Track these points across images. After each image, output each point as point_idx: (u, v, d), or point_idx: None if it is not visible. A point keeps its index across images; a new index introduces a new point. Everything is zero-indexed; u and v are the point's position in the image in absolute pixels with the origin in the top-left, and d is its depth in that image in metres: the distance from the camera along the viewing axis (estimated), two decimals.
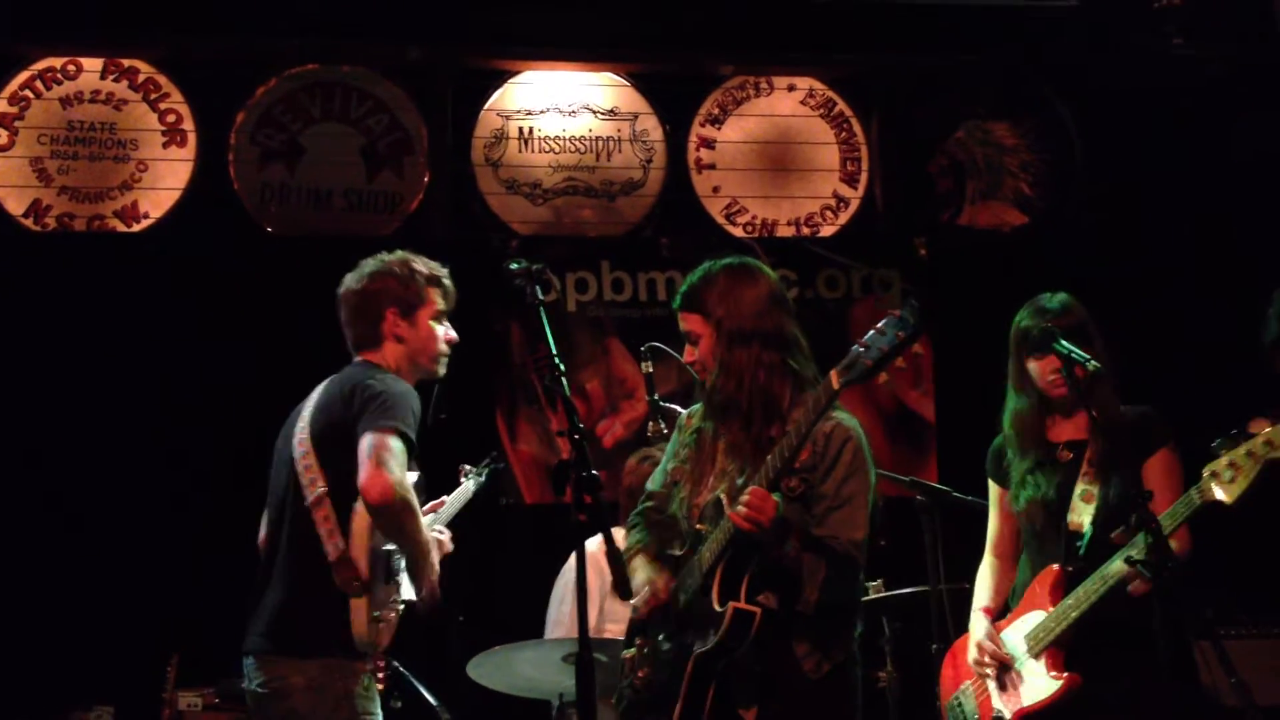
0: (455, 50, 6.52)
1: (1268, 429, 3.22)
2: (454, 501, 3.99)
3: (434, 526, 3.64)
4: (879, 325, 2.90)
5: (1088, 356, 3.43)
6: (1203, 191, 6.36)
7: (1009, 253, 6.44)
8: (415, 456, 3.36)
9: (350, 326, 3.63)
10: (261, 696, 3.37)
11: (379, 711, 3.40)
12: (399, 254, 3.68)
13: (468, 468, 4.23)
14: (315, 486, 3.36)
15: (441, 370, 3.68)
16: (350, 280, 3.65)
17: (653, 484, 3.57)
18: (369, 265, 3.66)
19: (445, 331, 3.66)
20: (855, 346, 2.92)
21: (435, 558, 3.47)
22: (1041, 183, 6.70)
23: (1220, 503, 3.26)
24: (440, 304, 3.65)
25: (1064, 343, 3.48)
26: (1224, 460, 3.26)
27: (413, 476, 3.48)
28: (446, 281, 3.69)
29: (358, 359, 3.61)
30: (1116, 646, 3.46)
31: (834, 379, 2.94)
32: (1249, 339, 5.99)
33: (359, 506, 3.30)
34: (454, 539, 3.70)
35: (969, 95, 6.76)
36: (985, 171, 6.71)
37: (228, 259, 6.01)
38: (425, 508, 3.73)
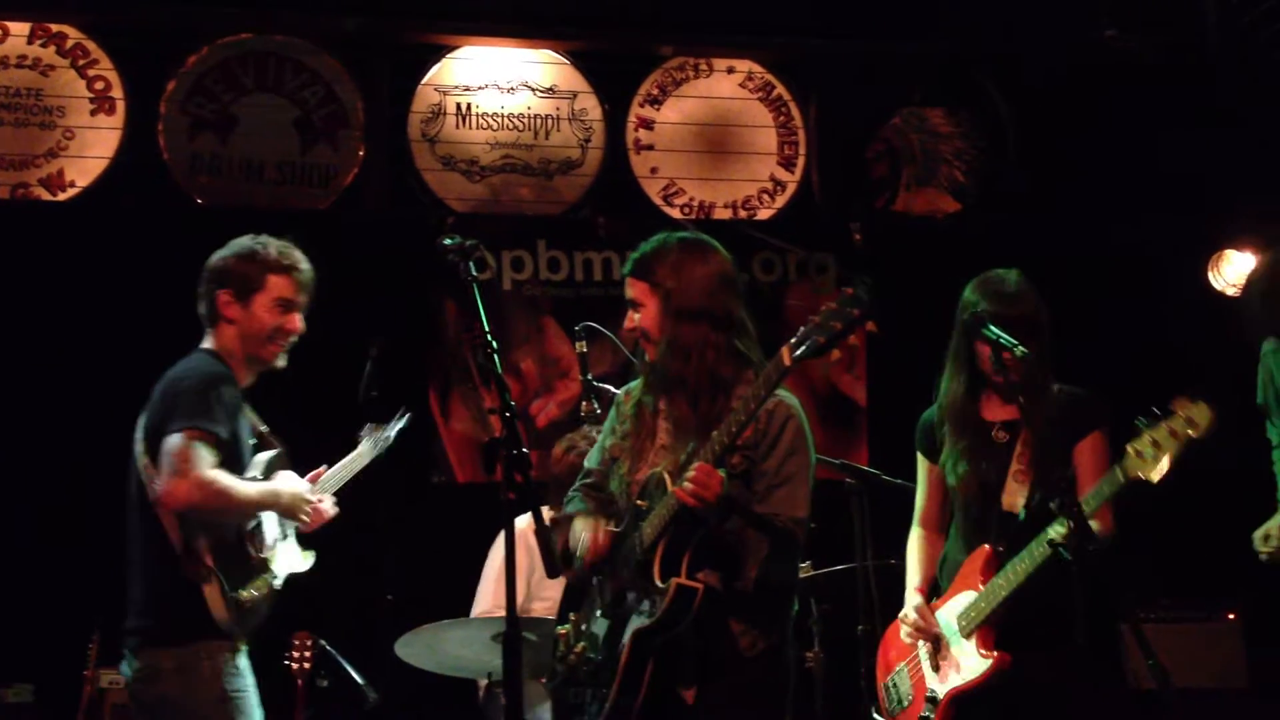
0: (393, 23, 6.45)
1: (1190, 407, 3.27)
2: (343, 467, 3.93)
3: (316, 494, 3.64)
4: (832, 302, 2.89)
5: (1015, 342, 3.46)
6: (1133, 182, 6.44)
7: (942, 239, 6.49)
8: (220, 446, 3.33)
9: (197, 304, 3.61)
10: (136, 683, 3.41)
11: (250, 688, 3.42)
12: (261, 237, 3.62)
13: (369, 427, 4.13)
14: (153, 481, 3.37)
15: (278, 361, 3.61)
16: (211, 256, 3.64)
17: (590, 461, 3.55)
18: (229, 244, 3.63)
19: (287, 321, 3.58)
20: (807, 323, 2.91)
21: (295, 495, 3.52)
22: (975, 171, 6.77)
23: (1145, 480, 3.31)
24: (284, 292, 3.57)
25: (992, 328, 3.50)
26: (1146, 438, 3.30)
27: (264, 458, 3.52)
28: (300, 273, 3.61)
29: (201, 343, 3.59)
30: (1043, 626, 3.51)
31: (785, 355, 2.93)
32: (1171, 323, 6.11)
33: None
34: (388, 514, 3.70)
35: (906, 82, 6.79)
36: (921, 158, 6.76)
37: (156, 230, 5.90)
38: (307, 476, 3.72)
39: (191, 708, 3.33)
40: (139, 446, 3.44)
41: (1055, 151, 6.58)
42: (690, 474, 3.03)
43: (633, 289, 3.35)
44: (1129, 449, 3.34)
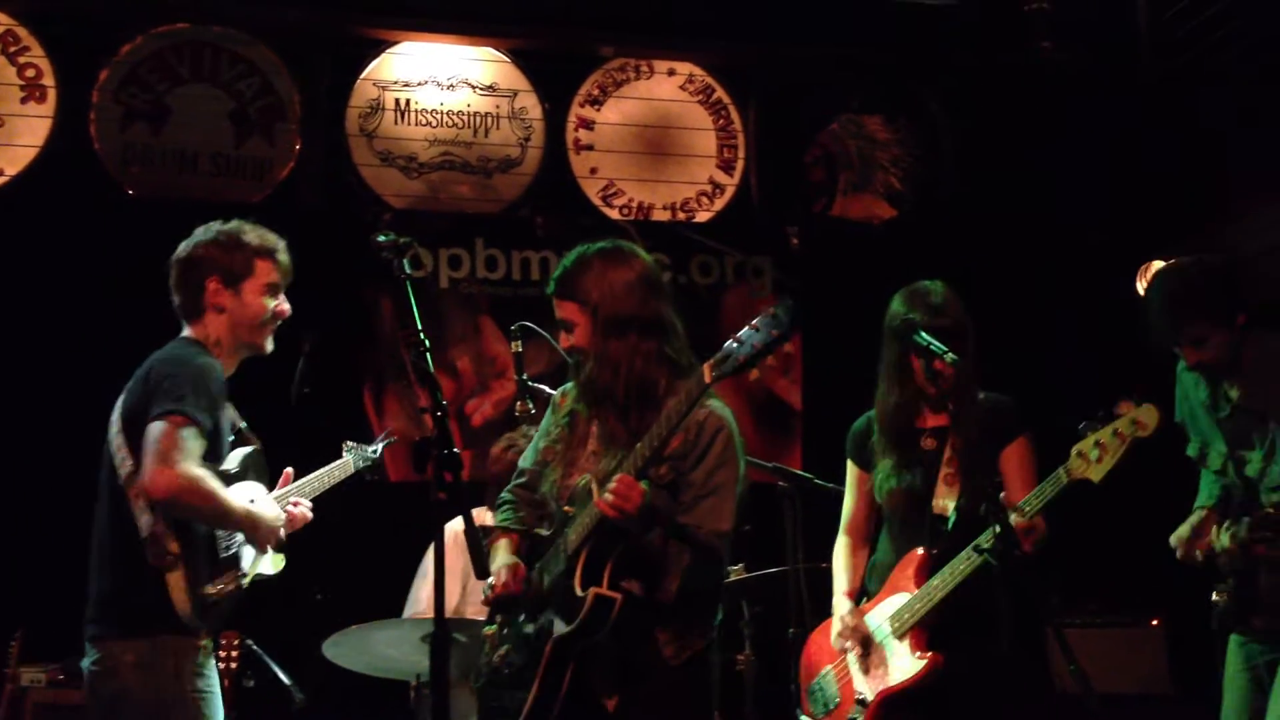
0: (333, 16, 6.38)
1: (1134, 410, 3.34)
2: (324, 474, 3.90)
3: (289, 498, 3.59)
4: (754, 321, 2.91)
5: (945, 349, 3.51)
6: (1066, 191, 6.53)
7: (878, 245, 6.54)
8: (207, 436, 3.29)
9: (175, 295, 3.55)
10: (95, 676, 3.33)
11: (214, 689, 3.36)
12: (234, 223, 3.59)
13: (352, 444, 4.13)
14: (125, 465, 3.32)
15: (268, 346, 3.60)
16: (180, 248, 3.57)
17: (525, 461, 3.55)
18: (199, 233, 3.58)
19: (276, 305, 3.57)
20: (730, 340, 2.93)
21: (271, 525, 3.44)
22: (911, 178, 6.83)
23: (1087, 480, 3.37)
24: (271, 277, 3.56)
25: (924, 335, 3.55)
26: (1091, 440, 3.37)
27: (241, 453, 3.45)
28: (281, 255, 3.59)
29: (183, 333, 3.54)
30: (970, 629, 3.55)
31: (706, 372, 2.96)
32: (1106, 331, 6.19)
33: None
34: (314, 511, 3.66)
35: (845, 89, 6.84)
36: (858, 164, 6.81)
37: (85, 220, 5.81)
38: (279, 481, 3.69)
39: (151, 704, 3.25)
40: (115, 428, 3.38)
41: (991, 160, 6.66)
42: (611, 486, 3.04)
43: (562, 310, 3.35)
44: (1074, 451, 3.41)
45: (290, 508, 3.58)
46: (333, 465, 3.98)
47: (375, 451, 4.13)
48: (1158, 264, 6.31)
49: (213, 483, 3.27)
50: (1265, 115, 6.00)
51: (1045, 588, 3.45)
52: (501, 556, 3.37)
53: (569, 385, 3.47)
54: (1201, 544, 3.73)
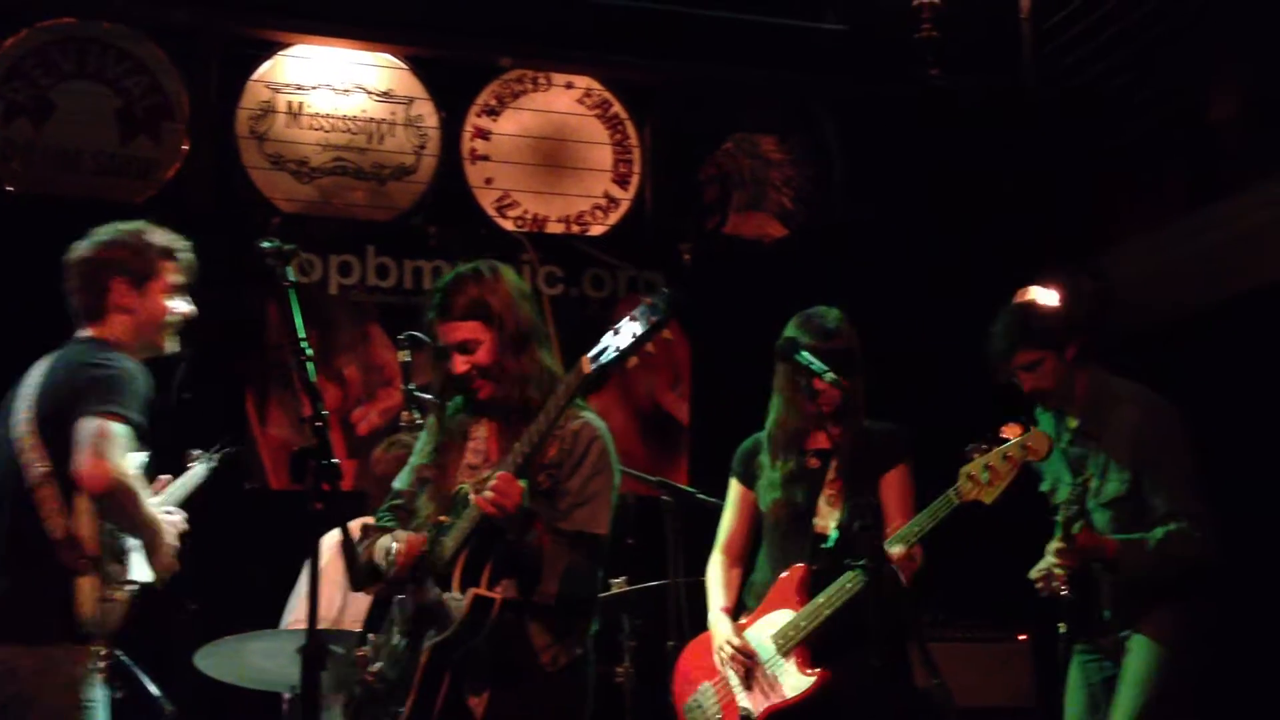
0: (225, 15, 6.29)
1: (1023, 434, 3.45)
2: (181, 485, 3.86)
3: (164, 507, 3.55)
4: (632, 312, 2.94)
5: (825, 368, 3.58)
6: (956, 216, 6.68)
7: (769, 263, 6.62)
8: (140, 439, 3.29)
9: (76, 296, 3.52)
10: None
11: (103, 699, 3.34)
12: (136, 224, 3.58)
13: (196, 452, 4.11)
14: (37, 466, 3.28)
15: (170, 346, 3.60)
16: (79, 248, 3.54)
17: (400, 483, 3.55)
18: (101, 233, 3.55)
19: (180, 306, 3.58)
20: (608, 333, 2.96)
21: (169, 538, 3.42)
22: (803, 198, 6.93)
23: (979, 503, 3.47)
24: (176, 278, 3.56)
25: (805, 354, 3.62)
26: (979, 463, 3.48)
27: (139, 458, 3.40)
28: (185, 255, 3.60)
29: (82, 333, 3.49)
30: (850, 644, 3.62)
31: (585, 364, 2.97)
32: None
33: None
34: (188, 520, 3.62)
35: (739, 108, 6.92)
36: (751, 183, 6.89)
37: None
38: (153, 486, 3.64)
39: (49, 711, 3.22)
40: (24, 427, 3.32)
41: (882, 183, 6.78)
42: (491, 483, 3.05)
43: (461, 331, 3.31)
44: (962, 474, 3.51)
45: (172, 517, 3.54)
46: (186, 476, 3.96)
47: (215, 460, 4.11)
48: (1034, 290, 6.49)
49: (139, 485, 3.27)
50: (1141, 146, 6.20)
51: (916, 604, 3.55)
52: (389, 536, 3.32)
53: (453, 402, 3.45)
54: (1060, 578, 3.89)
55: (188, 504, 3.86)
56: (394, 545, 3.26)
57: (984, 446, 3.54)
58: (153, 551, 3.37)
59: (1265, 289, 5.31)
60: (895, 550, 3.51)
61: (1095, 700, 4.02)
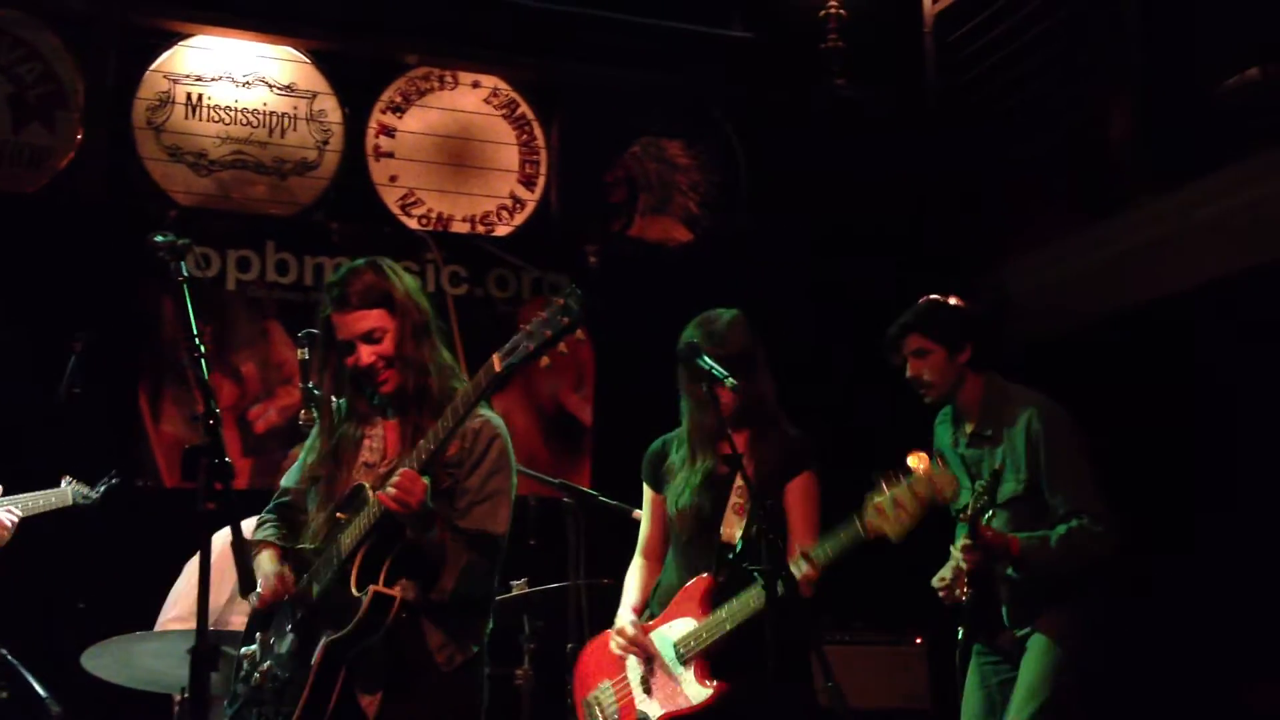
0: (123, 3, 6.14)
1: (930, 470, 3.42)
2: (39, 496, 3.78)
3: (3, 507, 3.48)
4: (542, 312, 2.94)
5: (725, 374, 3.57)
6: (860, 225, 6.75)
7: (673, 267, 6.64)
8: None
9: None
10: None
11: None
12: None
13: (71, 479, 4.02)
14: None
15: None
16: None
17: (289, 480, 3.51)
18: None
19: None
20: (519, 332, 2.95)
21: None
22: (708, 203, 6.97)
23: (886, 537, 3.45)
24: None
25: (706, 359, 3.61)
26: (888, 496, 3.41)
27: None
28: None
29: None
30: (748, 655, 3.62)
31: (495, 362, 2.96)
32: (891, 364, 6.40)
33: None
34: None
35: (647, 112, 6.94)
36: (657, 187, 6.90)
37: None
38: None
39: None
40: None
41: (786, 190, 6.84)
42: (394, 479, 3.03)
43: (367, 320, 3.27)
44: (869, 505, 3.44)
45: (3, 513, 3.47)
46: (50, 491, 3.89)
47: (96, 493, 4.05)
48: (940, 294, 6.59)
49: None
50: (1040, 160, 6.33)
51: (814, 611, 3.57)
52: (266, 565, 3.31)
53: (342, 401, 3.42)
54: (961, 584, 3.94)
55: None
56: (260, 582, 3.23)
57: (892, 477, 3.48)
58: None
59: (1160, 301, 5.44)
60: (800, 571, 3.51)
61: (993, 702, 4.08)
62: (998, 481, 3.91)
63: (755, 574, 3.40)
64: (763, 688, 3.53)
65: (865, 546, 3.51)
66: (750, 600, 3.58)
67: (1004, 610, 4.06)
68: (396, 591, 3.09)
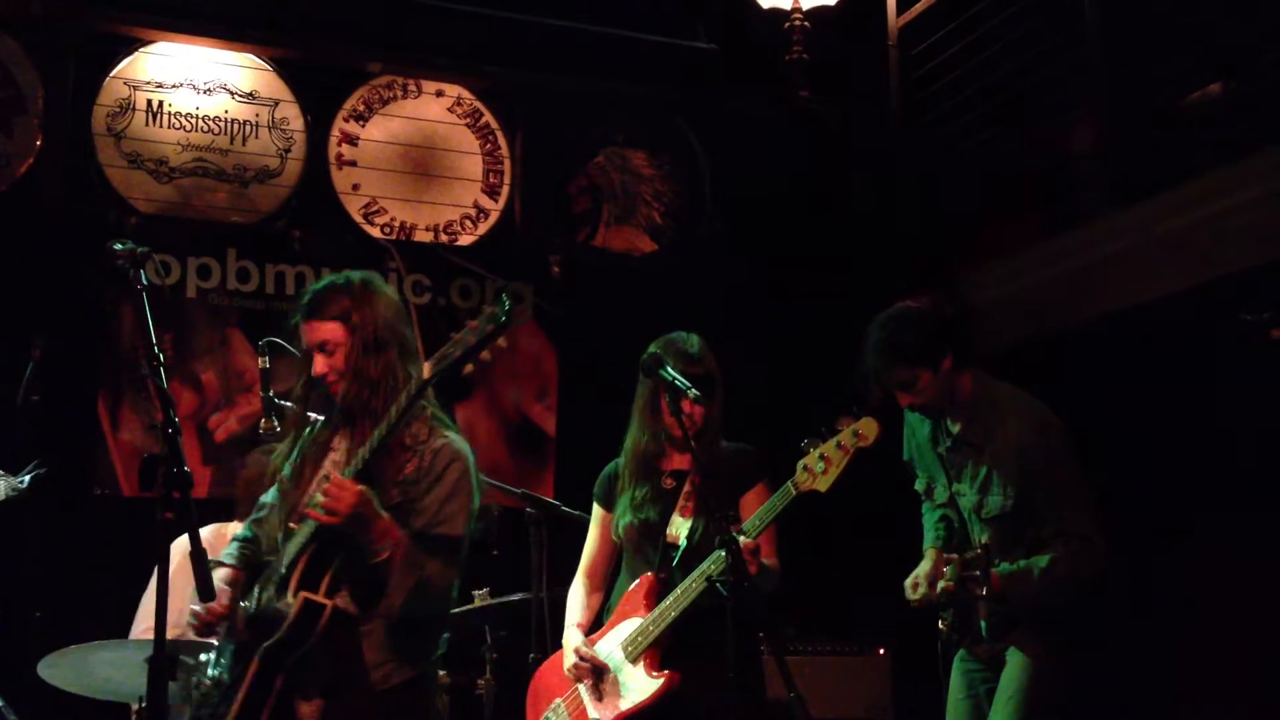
0: (84, 9, 6.09)
1: (854, 423, 3.50)
2: None
3: None
4: (474, 319, 3.00)
5: (689, 385, 3.59)
6: (825, 236, 6.79)
7: (638, 278, 6.65)
8: None
9: None
10: None
11: None
12: None
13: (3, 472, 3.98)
14: None
15: None
16: None
17: (269, 496, 3.52)
18: None
19: None
20: (448, 339, 3.01)
21: None
22: (673, 213, 6.98)
23: (815, 491, 3.50)
24: None
25: (670, 369, 3.64)
26: (815, 454, 3.52)
27: None
28: None
29: None
30: (698, 653, 3.64)
31: (426, 369, 3.03)
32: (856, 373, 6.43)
33: None
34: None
35: (611, 122, 6.94)
36: (621, 197, 6.91)
37: None
38: None
39: None
40: None
41: (751, 202, 6.86)
42: (323, 488, 3.06)
43: (320, 331, 3.33)
44: (799, 466, 3.55)
45: None
46: None
47: (22, 483, 4.00)
48: (898, 308, 6.62)
49: None
50: (1000, 173, 6.38)
51: (776, 617, 3.58)
52: (216, 584, 3.30)
53: (318, 418, 3.44)
54: (934, 588, 3.89)
55: (23, 501, 3.74)
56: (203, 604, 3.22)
57: (819, 439, 3.59)
58: None
59: (1120, 314, 5.48)
60: (741, 541, 3.53)
61: (980, 707, 3.98)
62: (989, 557, 3.80)
63: (716, 582, 3.42)
64: (715, 686, 3.52)
65: (830, 556, 3.54)
66: (693, 586, 3.61)
67: (982, 625, 3.99)
68: (327, 600, 3.10)
